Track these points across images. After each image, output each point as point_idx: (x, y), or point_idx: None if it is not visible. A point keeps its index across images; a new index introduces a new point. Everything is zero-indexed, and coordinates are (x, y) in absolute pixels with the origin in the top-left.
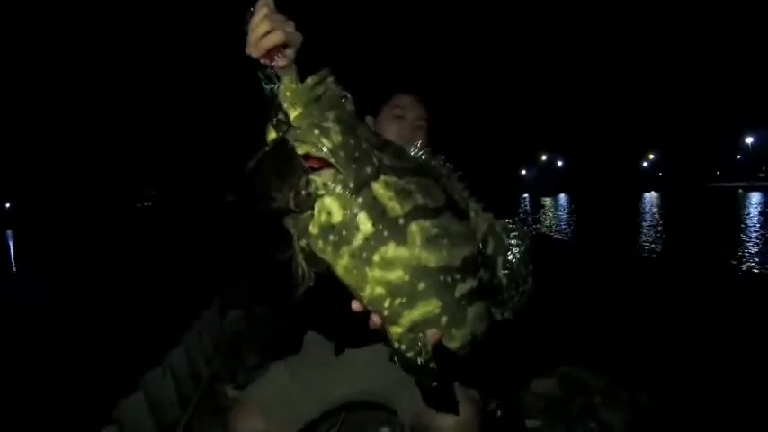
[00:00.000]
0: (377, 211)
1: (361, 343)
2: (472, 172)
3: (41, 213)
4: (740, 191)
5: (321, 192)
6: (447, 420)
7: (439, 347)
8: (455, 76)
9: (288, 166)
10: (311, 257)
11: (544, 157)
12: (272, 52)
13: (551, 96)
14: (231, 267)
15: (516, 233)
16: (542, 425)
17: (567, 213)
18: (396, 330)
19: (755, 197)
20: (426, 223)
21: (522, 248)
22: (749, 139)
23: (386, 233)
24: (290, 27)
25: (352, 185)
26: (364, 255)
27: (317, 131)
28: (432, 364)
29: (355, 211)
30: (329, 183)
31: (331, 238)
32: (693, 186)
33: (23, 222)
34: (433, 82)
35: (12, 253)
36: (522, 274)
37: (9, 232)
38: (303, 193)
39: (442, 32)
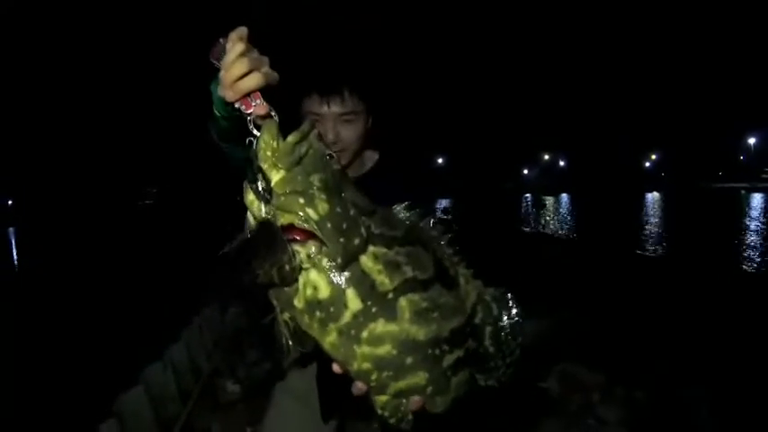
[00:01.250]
0: (365, 287)
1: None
2: (474, 172)
3: (43, 210)
4: (743, 191)
5: (306, 265)
6: None
7: (420, 413)
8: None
9: (272, 246)
10: (297, 332)
11: (546, 157)
12: (248, 97)
13: (553, 95)
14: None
15: (506, 303)
16: (540, 421)
17: (568, 213)
18: (380, 399)
19: (758, 198)
20: (416, 297)
21: (512, 319)
22: (752, 140)
23: (374, 309)
24: (266, 65)
25: (339, 260)
26: (353, 332)
27: (301, 200)
28: (412, 431)
29: (343, 287)
30: (314, 255)
31: (317, 314)
32: (696, 187)
33: (25, 219)
34: (348, 69)
35: (14, 250)
36: (510, 345)
37: (11, 229)
38: (286, 266)
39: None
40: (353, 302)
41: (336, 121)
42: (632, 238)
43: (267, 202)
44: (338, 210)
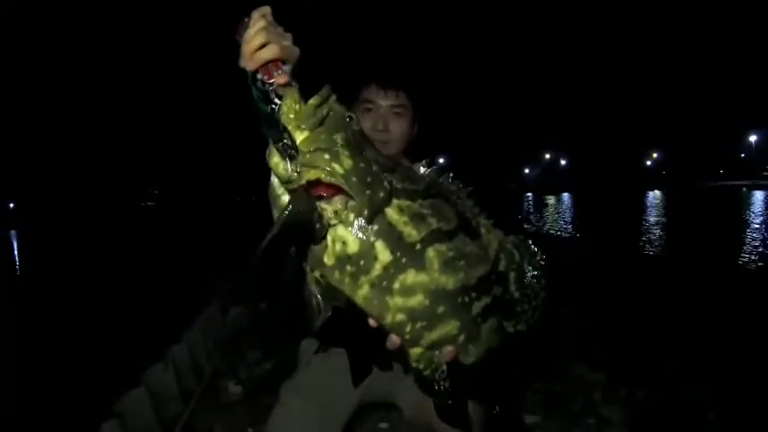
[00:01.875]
0: (393, 238)
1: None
2: (476, 172)
3: (45, 213)
4: (744, 189)
5: (333, 221)
6: None
7: (454, 364)
8: (445, 60)
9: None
10: (328, 290)
11: (548, 156)
12: (269, 67)
13: (554, 94)
14: (232, 264)
15: (527, 249)
16: (542, 420)
17: (570, 212)
18: (415, 351)
19: (759, 195)
20: (442, 247)
21: (534, 263)
22: (753, 138)
23: (404, 260)
24: (288, 40)
25: (366, 212)
26: (384, 284)
27: (327, 156)
28: (447, 382)
29: (372, 240)
30: (341, 211)
31: (348, 268)
32: (697, 185)
33: (27, 222)
34: (407, 67)
35: (16, 253)
36: (535, 289)
37: (13, 232)
38: (316, 225)
39: (430, 23)
40: (383, 254)
41: (388, 112)
42: (634, 236)
43: (293, 159)
44: (362, 165)
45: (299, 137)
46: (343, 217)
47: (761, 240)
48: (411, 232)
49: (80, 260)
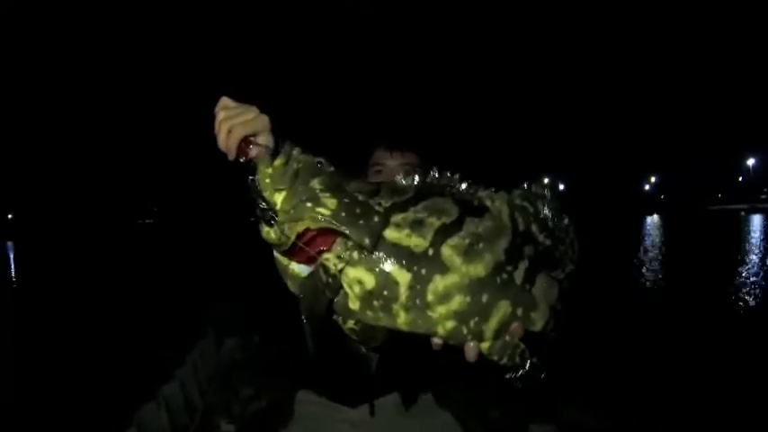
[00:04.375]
0: (404, 256)
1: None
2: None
3: (43, 225)
4: (742, 213)
5: (341, 266)
6: None
7: (528, 337)
8: (446, 109)
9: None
10: (366, 333)
11: (546, 180)
12: (242, 147)
13: (553, 118)
14: (229, 290)
15: (536, 195)
16: None
17: None
18: (486, 347)
19: (757, 219)
20: (455, 240)
21: (549, 204)
22: (750, 161)
23: (424, 271)
24: (251, 113)
25: (367, 242)
26: (417, 301)
27: (309, 204)
28: (532, 357)
29: (384, 267)
30: (343, 253)
31: (376, 303)
32: (696, 209)
33: (25, 233)
34: (413, 123)
35: (12, 265)
36: (562, 227)
37: (9, 243)
38: (326, 280)
39: (429, 69)
40: (402, 275)
41: (397, 170)
42: (632, 263)
43: (276, 223)
44: (346, 200)
45: (279, 198)
46: (349, 258)
47: (760, 267)
48: (417, 242)
49: (75, 275)
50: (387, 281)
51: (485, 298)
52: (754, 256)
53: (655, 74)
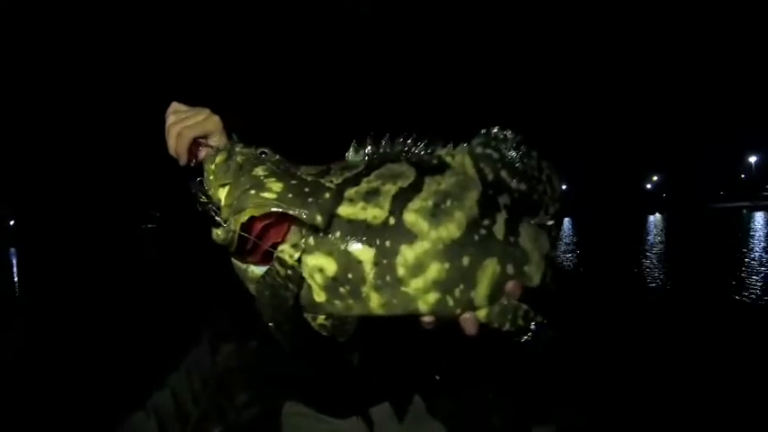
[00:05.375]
0: (362, 230)
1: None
2: None
3: (45, 232)
4: (744, 211)
5: (297, 255)
6: None
7: (527, 294)
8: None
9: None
10: (338, 325)
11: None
12: (192, 151)
13: (553, 118)
14: (228, 294)
15: (499, 140)
16: None
17: (570, 238)
18: (482, 315)
19: (759, 217)
20: (417, 203)
21: (513, 145)
22: (753, 158)
23: (389, 243)
24: (201, 115)
25: (319, 219)
26: (388, 278)
27: (252, 191)
28: (536, 317)
29: (344, 247)
30: (298, 242)
31: (342, 290)
32: (698, 207)
33: (27, 240)
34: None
35: (15, 271)
36: (533, 166)
37: (12, 250)
38: (284, 273)
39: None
40: (364, 253)
41: None
42: (634, 264)
43: (219, 219)
44: (293, 182)
45: (223, 193)
46: (304, 244)
47: (763, 265)
48: (375, 213)
49: (77, 283)
50: (349, 262)
51: (465, 260)
52: (757, 255)
53: (657, 72)
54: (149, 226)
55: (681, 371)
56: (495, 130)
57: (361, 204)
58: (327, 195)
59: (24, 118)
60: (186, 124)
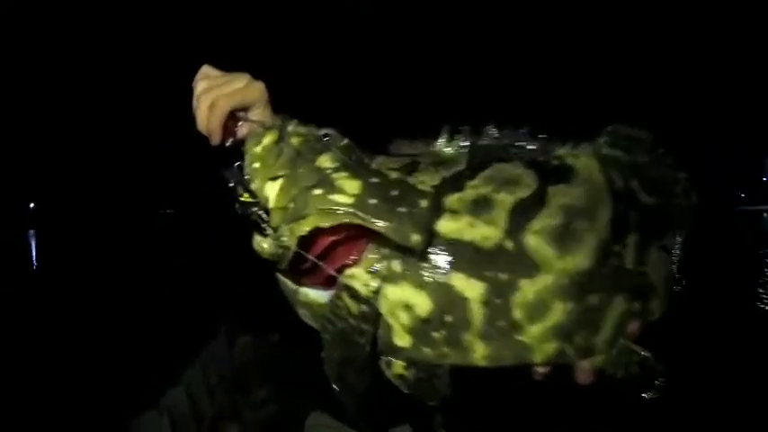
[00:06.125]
0: (470, 256)
1: None
2: None
3: (65, 214)
4: (765, 215)
5: (375, 284)
6: None
7: (643, 335)
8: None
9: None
10: (424, 378)
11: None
12: (228, 127)
13: (565, 120)
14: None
15: (627, 135)
16: None
17: None
18: (600, 361)
19: None
20: (541, 222)
21: (647, 147)
22: None
23: (505, 275)
24: (241, 81)
25: (416, 240)
26: (501, 323)
27: (317, 191)
28: (655, 364)
29: (444, 279)
30: (378, 265)
31: (436, 335)
32: (718, 211)
33: (47, 223)
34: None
35: (33, 253)
36: (668, 176)
37: (31, 232)
38: (357, 310)
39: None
40: (472, 288)
41: None
42: None
43: (267, 228)
44: (374, 180)
45: (272, 191)
46: (387, 271)
47: None
48: (486, 231)
49: (95, 266)
50: (450, 299)
51: (594, 299)
52: None
53: (673, 73)
54: (168, 211)
55: (696, 377)
56: (624, 128)
57: (467, 219)
58: (424, 204)
59: (43, 103)
60: (222, 92)
